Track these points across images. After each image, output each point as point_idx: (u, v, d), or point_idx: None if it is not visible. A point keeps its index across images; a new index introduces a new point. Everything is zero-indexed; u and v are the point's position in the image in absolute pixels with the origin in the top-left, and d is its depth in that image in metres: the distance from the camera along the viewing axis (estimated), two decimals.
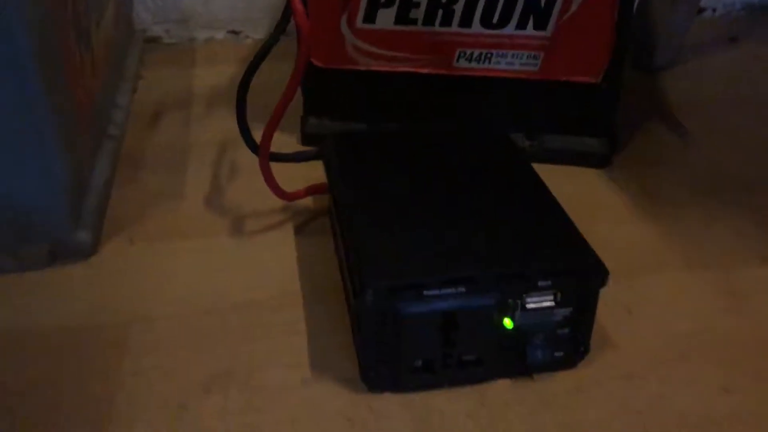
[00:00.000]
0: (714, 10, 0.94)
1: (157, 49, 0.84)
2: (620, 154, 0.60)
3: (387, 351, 0.36)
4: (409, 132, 0.53)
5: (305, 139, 0.62)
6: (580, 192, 0.56)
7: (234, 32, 0.86)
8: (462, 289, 0.35)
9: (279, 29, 0.47)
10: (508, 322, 0.37)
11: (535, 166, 0.57)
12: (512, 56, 0.55)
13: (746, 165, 0.59)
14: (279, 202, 0.52)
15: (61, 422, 0.36)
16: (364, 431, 0.36)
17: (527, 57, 0.55)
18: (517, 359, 0.38)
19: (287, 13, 0.46)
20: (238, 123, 0.47)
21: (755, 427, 0.36)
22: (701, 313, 0.43)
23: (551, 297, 0.36)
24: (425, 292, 0.35)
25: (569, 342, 0.38)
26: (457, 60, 0.56)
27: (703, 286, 0.46)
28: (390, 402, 0.37)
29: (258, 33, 0.86)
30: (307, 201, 0.53)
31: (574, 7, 0.53)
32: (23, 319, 0.43)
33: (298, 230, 0.51)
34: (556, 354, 0.38)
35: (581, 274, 0.36)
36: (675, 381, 0.38)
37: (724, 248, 0.49)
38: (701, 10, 0.93)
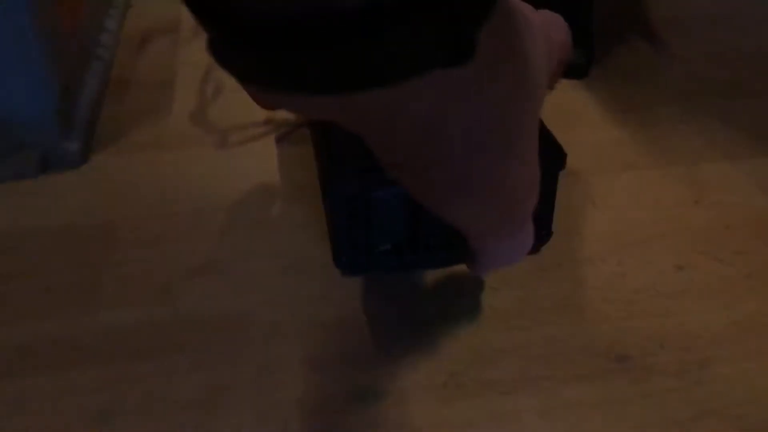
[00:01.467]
0: None
1: None
2: (597, 66, 0.61)
3: (356, 235, 0.38)
4: None
5: None
6: (557, 101, 0.57)
7: None
8: None
9: None
10: None
11: None
12: None
13: (721, 73, 0.60)
14: (262, 115, 0.53)
15: (51, 303, 0.39)
16: (337, 310, 0.38)
17: None
18: None
19: None
20: None
21: (704, 299, 0.38)
22: (662, 204, 0.45)
23: None
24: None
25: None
26: None
27: (667, 180, 0.47)
28: (363, 284, 0.40)
29: None
30: (289, 115, 0.54)
31: None
32: (14, 221, 0.45)
33: (280, 139, 0.53)
34: None
35: (540, 157, 0.38)
36: (632, 262, 0.41)
37: (690, 147, 0.51)
38: None
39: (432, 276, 0.40)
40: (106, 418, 0.33)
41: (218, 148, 0.52)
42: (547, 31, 0.27)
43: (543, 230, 0.41)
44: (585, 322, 0.37)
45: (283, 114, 0.54)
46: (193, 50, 0.67)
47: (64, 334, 0.37)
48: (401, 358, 0.36)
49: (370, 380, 0.35)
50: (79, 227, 0.45)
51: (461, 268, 0.40)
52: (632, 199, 0.46)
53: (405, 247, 0.39)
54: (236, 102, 0.55)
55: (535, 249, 0.41)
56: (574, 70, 0.60)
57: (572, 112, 0.56)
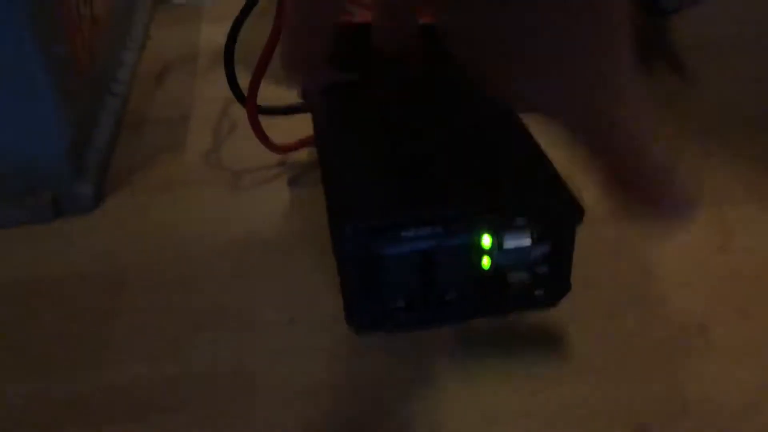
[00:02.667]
0: None
1: (166, 10, 0.84)
2: None
3: (368, 292, 0.37)
4: (393, 78, 0.53)
5: (306, 92, 0.62)
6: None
7: None
8: (439, 229, 0.36)
9: None
10: (486, 261, 0.37)
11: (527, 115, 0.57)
12: None
13: (748, 104, 0.58)
14: (276, 156, 0.53)
15: (61, 354, 0.39)
16: (346, 368, 0.37)
17: None
18: (497, 297, 0.38)
19: None
20: (227, 76, 0.49)
21: (729, 361, 0.36)
22: (686, 250, 0.44)
23: (528, 235, 0.37)
24: (403, 233, 0.36)
25: (549, 280, 0.39)
26: None
27: (693, 223, 0.46)
28: (372, 340, 0.39)
29: None
30: (303, 155, 0.54)
31: None
32: (25, 268, 0.45)
33: (292, 182, 0.52)
34: (536, 292, 0.39)
35: (557, 211, 0.37)
36: (652, 317, 0.39)
37: (716, 186, 0.49)
38: None
39: (446, 333, 0.39)
40: None
41: (231, 190, 0.52)
42: None
43: (562, 283, 0.39)
44: (603, 383, 0.36)
45: (295, 156, 0.53)
46: (211, 84, 0.66)
47: (69, 390, 0.37)
48: (411, 421, 0.35)
49: None
50: (90, 275, 0.44)
51: (477, 324, 0.39)
52: (654, 245, 0.44)
53: (419, 304, 0.38)
54: (251, 140, 0.54)
55: (554, 302, 0.40)
56: None
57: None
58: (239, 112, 0.61)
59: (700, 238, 0.44)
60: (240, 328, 0.40)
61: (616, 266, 0.43)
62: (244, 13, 0.47)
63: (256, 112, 0.48)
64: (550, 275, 0.39)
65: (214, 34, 0.77)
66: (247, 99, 0.47)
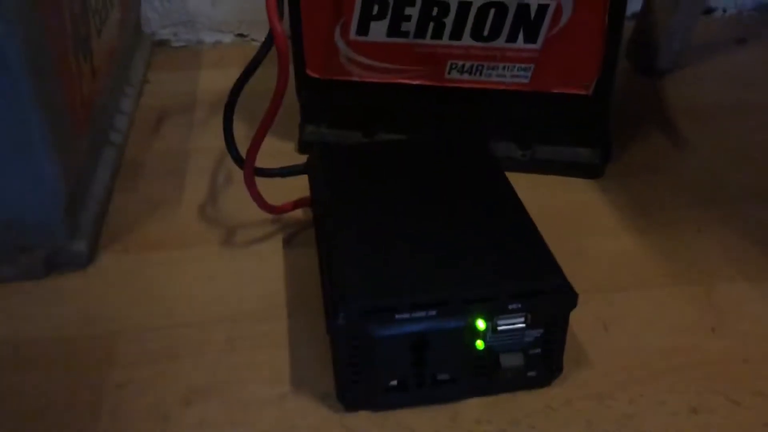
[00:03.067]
0: (724, 10, 0.93)
1: (165, 52, 0.85)
2: (615, 162, 0.60)
3: (361, 371, 0.37)
4: (391, 143, 0.54)
5: (303, 146, 0.63)
6: (571, 203, 0.56)
7: (241, 35, 0.87)
8: (433, 313, 0.36)
9: (264, 50, 0.48)
10: (479, 344, 0.37)
11: (528, 176, 0.58)
12: (503, 68, 0.55)
13: (742, 174, 0.59)
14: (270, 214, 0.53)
15: (49, 426, 0.38)
16: None
17: (518, 69, 0.55)
18: (489, 378, 0.38)
19: (270, 36, 0.47)
20: (225, 139, 0.49)
21: None
22: (677, 331, 0.44)
23: (522, 319, 0.37)
24: (397, 316, 0.36)
25: (541, 362, 0.39)
26: (449, 72, 0.56)
27: (683, 302, 0.46)
28: (364, 419, 0.38)
29: (264, 36, 0.87)
30: (298, 213, 0.54)
31: (563, 20, 0.53)
32: (17, 329, 0.45)
33: (287, 241, 0.52)
34: (529, 374, 0.39)
35: (551, 297, 0.37)
36: (643, 401, 0.39)
37: (708, 263, 0.49)
38: (711, 10, 0.92)
39: (438, 414, 0.39)
40: None
41: (225, 249, 0.52)
42: None
43: (553, 366, 0.39)
44: None
45: (291, 215, 0.53)
46: (207, 134, 0.67)
47: None
48: None
49: None
50: (80, 339, 0.44)
51: (468, 402, 0.39)
52: (645, 324, 0.44)
53: (411, 384, 0.38)
54: (247, 195, 0.54)
55: (547, 382, 0.40)
56: (589, 169, 0.59)
57: (587, 216, 0.55)
58: (233, 166, 0.61)
59: (693, 319, 0.45)
60: (230, 404, 0.39)
61: (605, 344, 0.43)
62: (242, 80, 0.48)
63: (253, 177, 0.48)
64: (543, 357, 0.39)
65: (212, 81, 0.77)
66: (245, 164, 0.47)
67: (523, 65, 0.55)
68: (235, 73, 0.78)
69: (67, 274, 0.49)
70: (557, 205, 0.56)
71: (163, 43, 0.86)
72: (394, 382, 0.38)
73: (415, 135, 0.59)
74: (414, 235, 0.40)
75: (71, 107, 0.51)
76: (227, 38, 0.87)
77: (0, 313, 0.46)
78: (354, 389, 0.38)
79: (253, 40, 0.88)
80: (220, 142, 0.64)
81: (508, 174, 0.47)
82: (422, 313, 0.36)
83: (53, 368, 0.42)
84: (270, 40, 0.47)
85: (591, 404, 0.39)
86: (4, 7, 0.41)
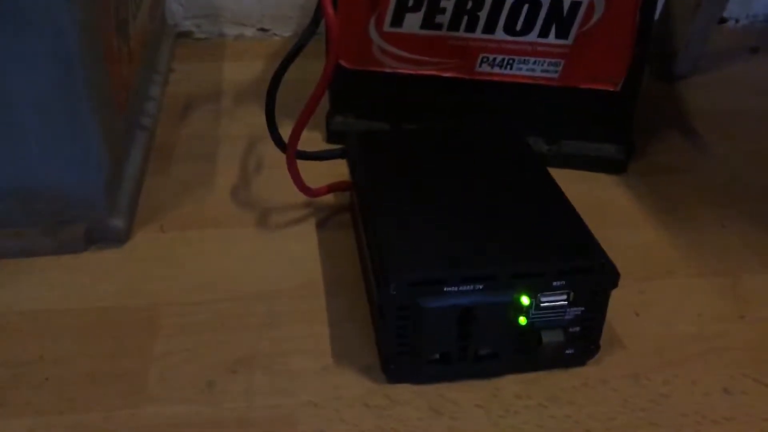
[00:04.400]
0: (737, 20, 0.95)
1: (188, 43, 0.86)
2: (637, 161, 0.62)
3: (407, 343, 0.38)
4: (428, 129, 0.55)
5: (330, 135, 0.64)
6: (597, 197, 0.58)
7: (263, 30, 0.89)
8: (480, 286, 0.37)
9: (310, 30, 0.49)
10: (522, 319, 0.38)
11: (553, 170, 0.59)
12: (534, 63, 0.57)
13: (760, 176, 0.60)
14: (303, 197, 0.54)
15: (97, 395, 0.39)
16: (380, 418, 0.38)
17: (548, 64, 0.57)
18: (530, 355, 0.40)
19: (318, 15, 0.48)
20: (267, 121, 0.50)
21: (752, 427, 0.38)
22: (707, 318, 0.45)
23: (564, 296, 0.38)
24: (445, 288, 0.37)
25: (580, 340, 0.40)
26: (480, 65, 0.58)
27: (710, 291, 0.47)
28: (407, 391, 0.39)
29: (286, 31, 0.89)
30: (329, 197, 0.55)
31: (595, 18, 0.54)
32: (61, 299, 0.45)
33: (320, 224, 0.53)
34: (567, 351, 0.40)
35: (593, 276, 0.38)
36: (678, 381, 0.40)
37: (732, 256, 0.51)
38: (724, 20, 0.94)
39: (478, 388, 0.40)
40: None
41: (259, 231, 0.53)
42: None
43: (591, 344, 0.41)
44: None
45: (323, 199, 0.54)
46: (235, 122, 0.68)
47: (108, 429, 0.37)
48: None
49: None
50: (123, 310, 0.45)
51: (507, 378, 0.40)
52: (675, 311, 0.46)
53: (454, 357, 0.39)
54: (277, 178, 0.55)
55: (583, 361, 0.41)
56: (613, 165, 0.60)
57: (612, 209, 0.56)
58: (265, 151, 0.62)
59: (721, 308, 0.46)
60: (275, 374, 0.40)
61: (637, 328, 0.44)
62: (285, 64, 0.49)
63: (294, 158, 0.49)
64: (582, 336, 0.40)
65: (236, 73, 0.78)
66: (288, 145, 0.48)
67: (553, 60, 0.57)
68: (258, 66, 0.81)
69: (105, 249, 0.50)
70: (583, 198, 0.56)
71: (185, 35, 0.87)
72: (437, 356, 0.39)
73: (448, 123, 0.60)
74: (457, 214, 0.41)
75: (114, 88, 0.52)
76: (249, 32, 0.89)
77: (42, 284, 0.47)
78: (399, 361, 0.39)
79: (275, 34, 0.89)
80: (248, 129, 0.66)
81: None
82: (470, 287, 0.37)
83: (98, 337, 0.43)
84: (315, 25, 0.49)
85: (626, 383, 0.40)
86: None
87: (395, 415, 0.38)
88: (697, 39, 0.78)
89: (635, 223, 0.54)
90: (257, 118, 0.68)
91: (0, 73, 0.44)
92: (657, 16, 0.79)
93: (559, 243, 0.39)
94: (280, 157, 0.50)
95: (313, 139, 0.64)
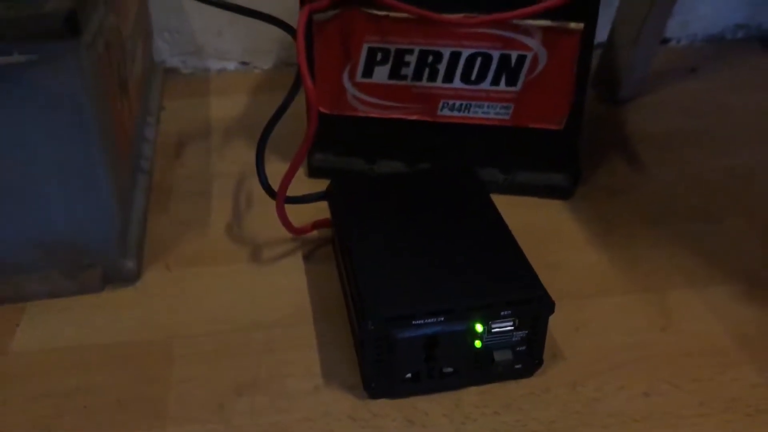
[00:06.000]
0: (678, 40, 1.03)
1: (175, 79, 0.93)
2: (583, 185, 0.70)
3: (384, 366, 0.46)
4: (399, 175, 0.63)
5: (312, 171, 0.71)
6: (545, 221, 0.66)
7: (244, 63, 0.96)
8: (441, 318, 0.45)
9: (292, 93, 0.57)
10: (477, 343, 0.47)
11: (508, 197, 0.67)
12: (487, 107, 0.65)
13: (692, 197, 0.69)
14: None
15: (125, 419, 0.47)
16: (364, 428, 0.46)
17: (500, 107, 0.65)
18: (485, 371, 0.48)
19: (298, 79, 0.56)
20: (258, 173, 0.57)
21: (665, 423, 0.46)
22: (635, 330, 0.54)
23: (511, 323, 0.47)
24: (414, 321, 0.45)
25: (526, 356, 0.48)
26: (441, 109, 0.66)
27: (640, 307, 0.56)
28: (386, 405, 0.47)
29: (266, 64, 0.96)
30: (314, 232, 0.63)
31: (539, 68, 0.63)
32: (86, 335, 0.53)
33: (306, 257, 0.61)
34: (516, 366, 0.48)
35: (533, 306, 0.47)
36: (607, 387, 0.49)
37: (661, 273, 0.59)
38: (666, 40, 1.03)
39: (444, 400, 0.48)
40: None
41: (253, 266, 0.60)
42: None
43: (536, 359, 0.49)
44: None
45: (308, 234, 0.62)
46: (225, 160, 0.75)
47: None
48: None
49: None
50: (140, 343, 0.52)
51: (468, 390, 0.48)
52: (609, 325, 0.54)
53: (423, 376, 0.47)
54: (267, 215, 0.63)
55: (530, 373, 0.49)
56: (561, 191, 0.68)
57: (559, 233, 0.65)
58: (254, 188, 0.70)
59: (648, 321, 0.54)
60: (274, 395, 0.48)
61: (577, 342, 0.52)
62: (272, 123, 0.56)
63: (284, 207, 0.57)
64: (527, 353, 0.48)
65: (222, 108, 0.85)
66: (277, 198, 0.56)
67: (504, 104, 0.65)
68: (242, 100, 0.88)
69: (120, 288, 0.58)
70: (534, 223, 0.65)
71: (172, 71, 0.94)
72: (410, 375, 0.47)
73: (416, 167, 0.68)
74: (422, 254, 0.50)
75: (120, 144, 0.60)
76: (231, 65, 0.96)
77: (67, 322, 0.54)
78: (378, 381, 0.47)
79: (255, 67, 0.96)
80: (237, 167, 0.74)
81: (492, 195, 0.57)
82: (434, 319, 0.45)
83: (122, 368, 0.50)
84: (296, 87, 0.56)
85: (565, 391, 0.49)
86: (84, 67, 0.49)
87: (377, 425, 0.46)
88: (640, 64, 0.86)
89: (579, 246, 0.63)
90: (245, 155, 0.76)
91: (26, 143, 0.51)
92: (606, 39, 0.88)
93: (506, 279, 0.48)
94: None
95: (296, 175, 0.71)
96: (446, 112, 0.66)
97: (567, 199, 0.69)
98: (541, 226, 0.65)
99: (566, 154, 0.68)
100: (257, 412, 0.47)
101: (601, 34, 0.88)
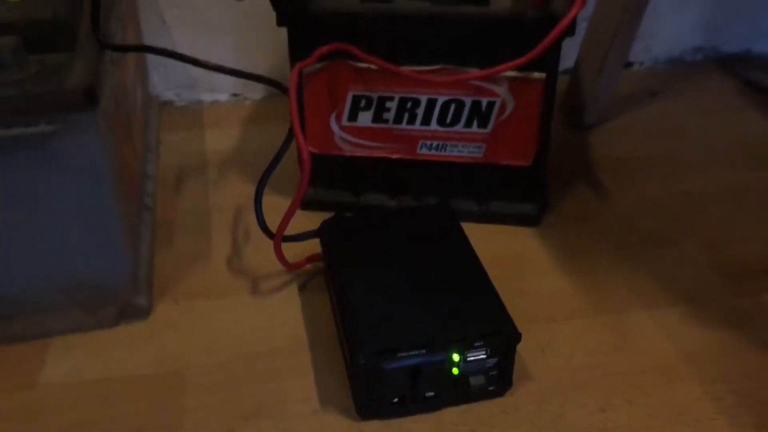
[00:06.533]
0: (641, 63, 1.11)
1: (169, 111, 0.99)
2: (551, 212, 0.77)
3: (373, 393, 0.53)
4: (384, 213, 0.70)
5: (304, 204, 0.78)
6: (516, 248, 0.73)
7: (235, 95, 1.02)
8: (423, 351, 0.52)
9: (286, 145, 0.63)
10: (455, 370, 0.54)
11: (483, 226, 0.74)
12: (462, 146, 0.72)
13: (649, 221, 0.76)
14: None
15: None
16: None
17: (473, 147, 0.72)
18: (462, 393, 0.55)
19: (290, 137, 0.62)
20: (257, 217, 0.64)
21: None
22: (595, 351, 0.61)
23: (484, 352, 0.53)
24: (399, 354, 0.52)
25: (498, 379, 0.55)
26: (420, 149, 0.72)
27: (600, 328, 0.63)
28: (376, 426, 0.54)
29: (256, 95, 1.02)
30: (307, 266, 0.69)
31: (507, 112, 0.69)
32: (106, 369, 0.59)
33: (301, 288, 0.68)
34: (489, 388, 0.55)
35: (502, 337, 0.53)
36: (568, 405, 0.56)
37: (619, 296, 0.66)
38: (629, 64, 1.10)
39: (427, 420, 0.55)
40: None
41: (253, 298, 0.67)
42: None
43: (506, 382, 0.56)
44: None
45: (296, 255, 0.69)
46: (222, 194, 0.81)
47: None
48: None
49: None
50: (155, 375, 0.59)
51: (448, 410, 0.55)
52: (572, 347, 0.61)
53: (408, 400, 0.54)
54: (264, 248, 0.69)
55: (502, 393, 0.56)
56: (530, 219, 0.75)
57: (528, 259, 0.71)
58: (250, 221, 0.76)
59: (606, 341, 0.62)
60: (277, 418, 0.55)
61: (543, 363, 0.59)
62: (267, 174, 0.63)
63: (281, 248, 0.63)
64: (499, 377, 0.55)
65: (216, 141, 0.91)
66: (275, 242, 0.62)
67: (477, 144, 0.71)
68: (235, 132, 0.94)
69: (133, 323, 0.64)
70: (506, 249, 0.72)
71: (167, 104, 1.00)
72: (396, 399, 0.54)
73: (399, 198, 0.75)
74: (405, 290, 0.56)
75: (128, 185, 0.66)
76: (223, 97, 1.02)
77: (89, 357, 0.60)
78: (368, 405, 0.54)
79: (245, 98, 1.02)
80: (234, 200, 0.80)
81: (467, 224, 0.64)
82: (416, 351, 0.52)
83: (140, 398, 0.57)
84: (289, 140, 0.63)
85: (533, 408, 0.56)
86: (99, 131, 0.55)
87: None
88: (602, 93, 0.93)
89: (546, 271, 0.70)
90: (240, 188, 0.82)
91: (49, 199, 0.57)
92: (573, 66, 0.94)
93: (478, 313, 0.55)
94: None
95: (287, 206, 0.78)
96: (424, 151, 0.73)
97: (536, 226, 0.75)
98: (512, 253, 0.72)
99: (534, 186, 0.75)
100: None
101: (569, 61, 0.95)
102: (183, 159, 0.88)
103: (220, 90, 1.01)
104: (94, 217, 0.59)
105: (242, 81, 1.00)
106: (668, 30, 1.10)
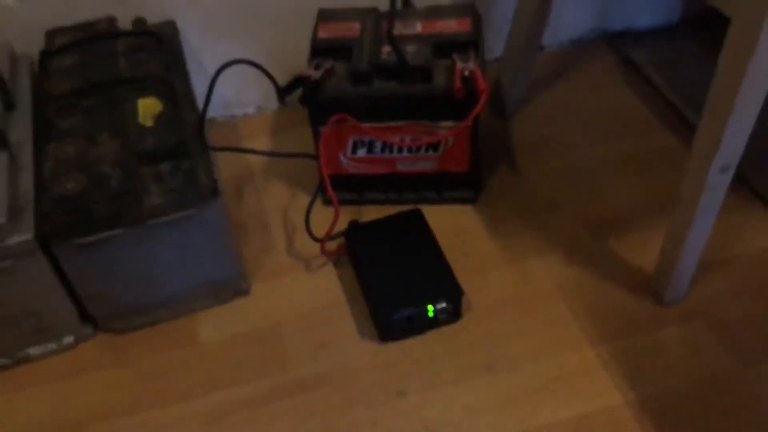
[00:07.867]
0: (551, 46, 1.48)
1: (212, 127, 1.38)
2: (483, 192, 1.21)
3: (387, 329, 1.00)
4: (381, 220, 1.14)
5: (325, 201, 1.21)
6: (460, 221, 1.17)
7: (259, 107, 1.40)
8: (412, 307, 0.99)
9: (319, 191, 1.07)
10: (430, 314, 1.00)
11: (440, 206, 1.18)
12: (423, 163, 1.15)
13: (546, 190, 1.20)
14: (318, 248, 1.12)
15: (265, 369, 1.00)
16: (383, 355, 1.00)
17: (431, 162, 1.15)
18: (434, 323, 1.02)
19: (323, 185, 1.06)
20: (308, 234, 1.08)
21: (523, 333, 1.01)
22: (508, 286, 1.07)
23: (444, 303, 1.00)
24: (400, 309, 0.98)
25: (453, 314, 1.02)
26: (398, 166, 1.15)
27: (511, 274, 1.09)
28: (391, 345, 1.01)
29: (273, 105, 1.40)
30: (333, 245, 1.13)
31: (449, 143, 1.12)
32: (239, 326, 1.06)
33: (335, 264, 1.12)
34: (449, 319, 1.03)
35: (454, 295, 1.00)
36: (495, 322, 1.03)
37: (523, 249, 1.12)
38: (542, 47, 1.47)
39: (414, 343, 1.02)
40: None
41: (307, 273, 1.12)
42: None
43: (457, 314, 1.03)
44: None
45: (331, 247, 1.13)
46: (270, 198, 1.23)
47: None
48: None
49: None
50: (262, 328, 1.05)
51: (429, 332, 1.03)
52: (495, 287, 1.08)
53: (407, 330, 1.01)
54: (309, 240, 1.13)
55: (456, 321, 1.04)
56: (469, 200, 1.20)
57: (470, 228, 1.16)
58: (295, 220, 1.19)
59: (514, 281, 1.08)
60: (336, 346, 1.02)
61: (478, 301, 1.06)
62: (311, 204, 1.06)
63: (325, 246, 1.08)
64: (453, 313, 1.02)
65: (256, 148, 1.32)
66: (321, 245, 1.07)
67: (432, 161, 1.14)
68: (265, 142, 1.34)
69: (241, 297, 1.09)
70: (454, 223, 1.16)
71: (210, 121, 1.39)
72: (404, 329, 1.01)
73: (386, 195, 1.19)
74: (398, 269, 1.02)
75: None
76: (251, 110, 1.40)
77: (221, 321, 1.06)
78: (385, 335, 1.01)
79: (267, 108, 1.40)
80: (280, 202, 1.22)
81: (429, 206, 1.10)
82: (413, 309, 0.98)
83: (256, 344, 1.03)
84: (323, 184, 1.06)
85: (474, 327, 1.03)
86: (221, 207, 0.98)
87: (387, 356, 1.01)
88: (519, 90, 1.33)
89: (480, 237, 1.14)
90: (284, 190, 1.23)
91: (195, 242, 1.00)
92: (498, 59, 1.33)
93: (441, 282, 1.01)
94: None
95: (316, 203, 1.21)
96: (401, 167, 1.15)
97: (474, 204, 1.20)
98: (459, 225, 1.17)
99: (471, 180, 1.19)
100: (334, 355, 1.01)
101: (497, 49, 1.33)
102: (235, 170, 1.29)
103: (248, 104, 1.39)
104: (219, 248, 1.02)
105: (263, 95, 1.38)
106: (571, 14, 1.41)
